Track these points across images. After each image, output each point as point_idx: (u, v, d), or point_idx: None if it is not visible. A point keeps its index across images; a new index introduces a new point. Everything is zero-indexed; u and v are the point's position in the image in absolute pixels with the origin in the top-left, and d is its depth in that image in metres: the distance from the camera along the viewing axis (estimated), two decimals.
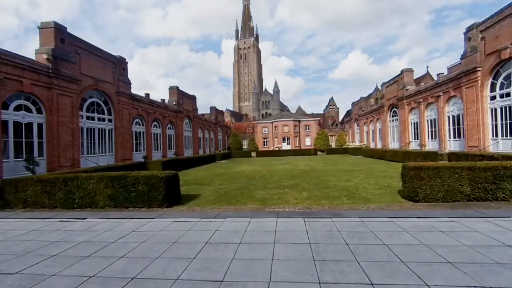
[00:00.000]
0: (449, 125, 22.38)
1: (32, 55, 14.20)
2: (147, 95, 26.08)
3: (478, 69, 17.83)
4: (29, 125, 13.74)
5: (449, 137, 22.33)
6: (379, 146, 36.83)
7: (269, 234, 5.00)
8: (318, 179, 12.37)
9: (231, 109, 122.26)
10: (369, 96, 51.53)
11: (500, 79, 16.82)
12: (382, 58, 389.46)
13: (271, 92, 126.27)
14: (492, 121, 17.50)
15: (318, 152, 43.11)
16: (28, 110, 13.70)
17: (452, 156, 16.39)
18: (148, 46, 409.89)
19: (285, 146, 57.06)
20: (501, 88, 16.81)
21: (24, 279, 3.55)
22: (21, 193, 8.34)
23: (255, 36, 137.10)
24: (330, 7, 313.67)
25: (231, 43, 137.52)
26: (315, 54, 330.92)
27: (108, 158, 19.37)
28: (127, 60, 21.61)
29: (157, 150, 27.02)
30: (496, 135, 17.16)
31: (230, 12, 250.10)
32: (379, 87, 48.64)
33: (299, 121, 61.25)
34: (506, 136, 16.47)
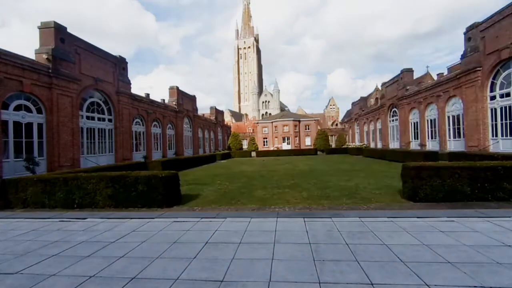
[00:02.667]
0: (449, 125, 22.37)
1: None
2: (147, 95, 26.08)
3: (478, 69, 17.82)
4: (29, 125, 13.74)
5: (449, 137, 22.32)
6: (379, 146, 36.82)
7: (269, 234, 5.00)
8: (318, 179, 12.37)
9: (231, 109, 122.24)
10: (369, 96, 51.54)
11: (500, 79, 16.81)
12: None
13: (271, 92, 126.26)
14: (492, 121, 17.49)
15: (318, 152, 43.10)
16: (28, 110, 13.69)
17: (452, 156, 16.39)
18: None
19: (285, 146, 57.04)
20: (501, 88, 16.81)
21: (24, 279, 3.55)
22: (21, 193, 8.34)
23: (255, 36, 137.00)
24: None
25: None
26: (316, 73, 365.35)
27: (108, 158, 19.37)
28: (127, 60, 21.63)
29: (157, 150, 27.02)
30: (496, 135, 17.16)
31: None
32: (379, 87, 48.62)
33: (299, 121, 61.23)
34: (506, 136, 16.47)
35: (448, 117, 22.37)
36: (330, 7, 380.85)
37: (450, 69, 29.13)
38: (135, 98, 22.69)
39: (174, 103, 30.61)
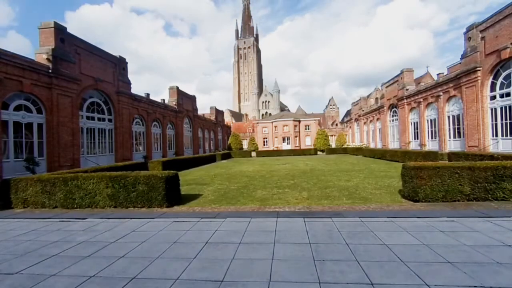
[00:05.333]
0: (449, 125, 22.37)
1: None
2: (147, 95, 26.07)
3: (478, 69, 17.83)
4: (29, 125, 13.75)
5: (449, 137, 22.32)
6: (379, 146, 36.82)
7: (269, 234, 5.00)
8: (318, 179, 12.36)
9: (231, 109, 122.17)
10: (369, 96, 51.54)
11: (500, 79, 16.82)
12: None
13: (271, 92, 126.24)
14: (492, 121, 17.49)
15: (318, 152, 43.10)
16: (28, 110, 13.70)
17: (452, 156, 16.39)
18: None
19: (285, 146, 57.04)
20: (501, 88, 16.81)
21: (24, 279, 3.55)
22: (21, 193, 8.34)
23: (255, 36, 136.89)
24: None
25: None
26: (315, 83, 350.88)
27: (108, 158, 19.37)
28: (127, 60, 21.63)
29: (157, 150, 27.03)
30: (496, 135, 17.16)
31: None
32: (379, 87, 48.64)
33: (299, 121, 61.23)
34: (506, 136, 16.47)
35: (448, 117, 22.37)
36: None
37: (450, 69, 29.16)
38: (135, 98, 22.70)
39: (174, 103, 30.61)
